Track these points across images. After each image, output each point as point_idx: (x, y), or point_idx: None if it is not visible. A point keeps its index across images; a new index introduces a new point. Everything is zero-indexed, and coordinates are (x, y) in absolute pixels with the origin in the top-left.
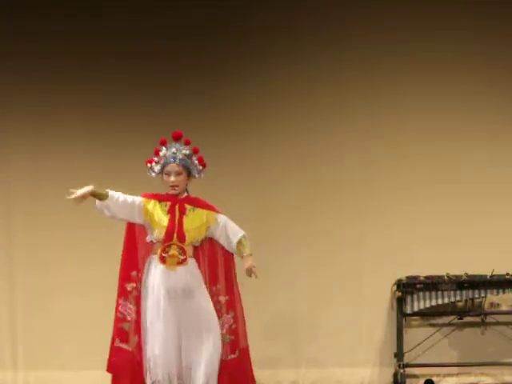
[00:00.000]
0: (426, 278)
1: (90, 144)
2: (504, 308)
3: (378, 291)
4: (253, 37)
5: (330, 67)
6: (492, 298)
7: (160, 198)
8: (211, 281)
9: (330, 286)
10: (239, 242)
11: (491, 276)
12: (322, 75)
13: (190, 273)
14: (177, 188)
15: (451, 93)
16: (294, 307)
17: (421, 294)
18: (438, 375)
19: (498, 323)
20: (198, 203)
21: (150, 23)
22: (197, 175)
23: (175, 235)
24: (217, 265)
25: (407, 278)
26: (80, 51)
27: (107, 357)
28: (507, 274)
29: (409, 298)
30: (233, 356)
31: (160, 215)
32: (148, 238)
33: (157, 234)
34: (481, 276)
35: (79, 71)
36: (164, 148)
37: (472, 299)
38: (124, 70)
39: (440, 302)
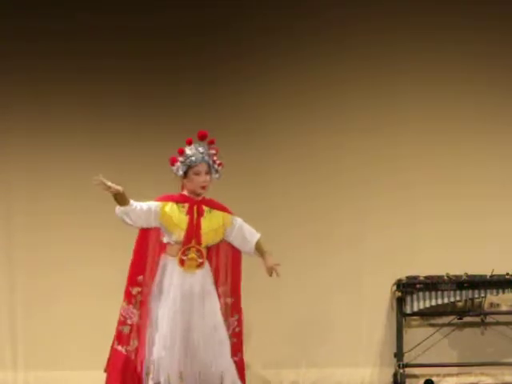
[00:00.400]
0: (426, 278)
1: (90, 144)
2: (504, 308)
3: (377, 291)
4: (253, 37)
5: (330, 67)
6: (492, 298)
7: (177, 200)
8: (219, 282)
9: (330, 286)
10: (258, 243)
11: (491, 276)
12: (322, 75)
13: (206, 275)
14: (206, 188)
15: (451, 93)
16: (293, 307)
17: (421, 294)
18: (437, 375)
19: (497, 323)
20: (213, 205)
21: (150, 23)
22: (215, 175)
23: (193, 237)
24: (225, 266)
25: (407, 278)
26: (80, 51)
27: (107, 357)
28: (507, 274)
29: (409, 298)
30: (235, 358)
31: (179, 217)
32: (165, 239)
33: (176, 236)
34: (481, 276)
35: (79, 71)
36: (190, 148)
37: (472, 299)
38: (124, 70)
39: (440, 302)
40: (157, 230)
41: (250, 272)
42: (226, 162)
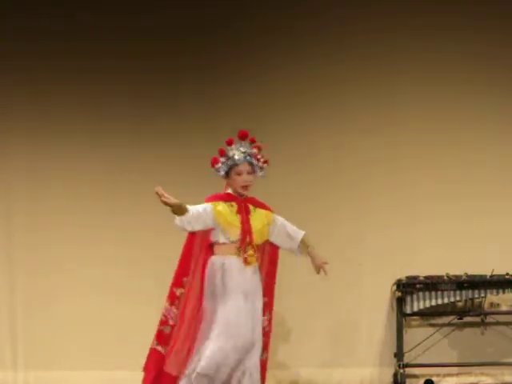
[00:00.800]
0: (426, 278)
1: (90, 144)
2: (504, 308)
3: (377, 291)
4: (253, 37)
5: (330, 67)
6: (492, 297)
7: (225, 199)
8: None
9: (330, 286)
10: (303, 241)
11: (491, 276)
12: (322, 75)
13: (258, 273)
14: (248, 187)
15: (451, 93)
16: (293, 307)
17: (421, 294)
18: (437, 375)
19: (497, 323)
20: (256, 203)
21: (149, 23)
22: (259, 173)
23: (248, 235)
24: (263, 265)
25: (407, 278)
26: (80, 51)
27: (107, 357)
28: (507, 273)
29: (409, 298)
30: (261, 358)
31: (231, 216)
32: (221, 239)
33: (232, 234)
34: (481, 276)
35: (79, 71)
36: (231, 148)
37: (472, 299)
38: (124, 70)
39: (440, 302)
40: (203, 232)
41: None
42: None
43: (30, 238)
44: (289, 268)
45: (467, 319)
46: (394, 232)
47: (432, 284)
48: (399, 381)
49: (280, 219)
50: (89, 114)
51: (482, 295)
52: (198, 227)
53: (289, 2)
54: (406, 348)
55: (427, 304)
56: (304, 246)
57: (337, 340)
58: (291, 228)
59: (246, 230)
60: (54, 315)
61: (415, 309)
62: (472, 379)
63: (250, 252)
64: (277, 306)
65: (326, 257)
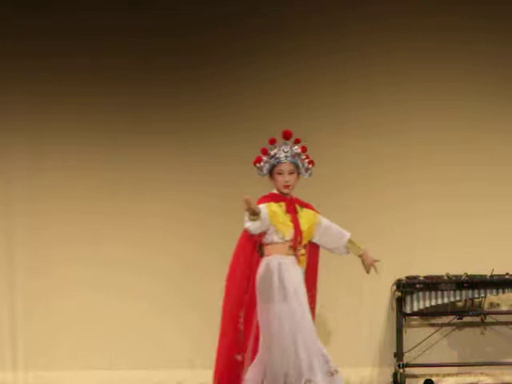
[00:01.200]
0: (426, 277)
1: (90, 144)
2: (504, 308)
3: (378, 291)
4: (253, 36)
5: (330, 67)
6: (492, 297)
7: (275, 199)
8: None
9: (331, 287)
10: (350, 241)
11: (491, 276)
12: (322, 75)
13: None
14: (289, 187)
15: (452, 92)
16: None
17: (420, 293)
18: (437, 375)
19: (497, 323)
20: (302, 203)
21: (149, 23)
22: (305, 174)
23: (299, 234)
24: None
25: (407, 277)
26: (80, 51)
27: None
28: (507, 274)
29: (408, 298)
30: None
31: (282, 215)
32: (274, 239)
33: (286, 234)
34: (480, 276)
35: (79, 71)
36: (274, 147)
37: (472, 299)
38: (124, 69)
39: (440, 301)
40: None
41: None
42: (225, 162)
43: (30, 237)
44: None
45: (467, 319)
46: (394, 232)
47: (432, 284)
48: (399, 381)
49: (325, 220)
50: (89, 114)
51: (482, 295)
52: (264, 229)
53: (289, 1)
54: (405, 348)
55: (427, 304)
56: (354, 247)
57: (337, 340)
58: (337, 228)
59: (298, 229)
60: (53, 315)
61: (415, 309)
62: (472, 379)
63: (303, 251)
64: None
65: (326, 257)
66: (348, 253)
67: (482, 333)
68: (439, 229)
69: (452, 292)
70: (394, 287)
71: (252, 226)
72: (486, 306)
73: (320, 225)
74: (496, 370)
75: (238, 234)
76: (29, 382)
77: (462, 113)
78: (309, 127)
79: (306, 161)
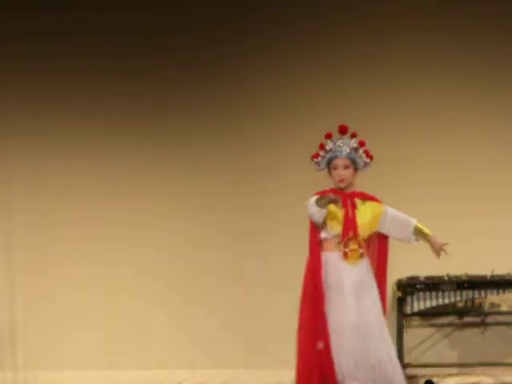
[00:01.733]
0: (426, 278)
1: (89, 144)
2: (504, 308)
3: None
4: (253, 36)
5: (330, 67)
6: (492, 298)
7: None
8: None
9: None
10: (416, 228)
11: (491, 276)
12: (322, 75)
13: (367, 267)
14: (344, 182)
15: (453, 92)
16: (294, 307)
17: (421, 294)
18: (438, 375)
19: (498, 323)
20: (365, 196)
21: (149, 22)
22: (363, 168)
23: (351, 229)
24: (374, 257)
25: (407, 278)
26: (80, 51)
27: (107, 357)
28: (507, 274)
29: (409, 299)
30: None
31: (335, 211)
32: (327, 235)
33: (335, 229)
34: (481, 276)
35: (79, 71)
36: (330, 142)
37: (472, 299)
38: (124, 70)
39: (440, 302)
40: (316, 227)
41: (250, 266)
42: (225, 162)
43: (30, 237)
44: (287, 267)
45: (467, 319)
46: None
47: (432, 284)
48: None
49: (390, 209)
50: (89, 114)
51: (483, 295)
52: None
53: (289, 1)
54: (406, 348)
55: (428, 304)
56: (421, 234)
57: None
58: (403, 216)
59: (348, 224)
60: (53, 315)
61: (415, 309)
62: (472, 379)
63: (353, 247)
64: (276, 306)
65: None
66: (417, 240)
67: (483, 333)
68: (439, 228)
69: (452, 292)
70: (395, 287)
71: (318, 213)
72: (486, 307)
73: (386, 215)
74: (496, 371)
75: (238, 234)
76: (29, 382)
77: (463, 113)
78: (309, 127)
79: (364, 155)
